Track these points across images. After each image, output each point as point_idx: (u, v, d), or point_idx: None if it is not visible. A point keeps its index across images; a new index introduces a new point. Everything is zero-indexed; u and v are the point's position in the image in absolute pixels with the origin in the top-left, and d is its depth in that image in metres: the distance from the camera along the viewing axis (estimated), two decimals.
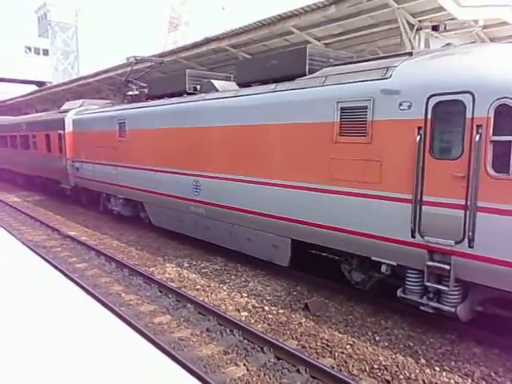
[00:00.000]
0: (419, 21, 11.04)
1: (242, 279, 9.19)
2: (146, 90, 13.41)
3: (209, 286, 8.77)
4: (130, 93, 14.20)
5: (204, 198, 10.21)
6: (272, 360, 5.90)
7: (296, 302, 7.91)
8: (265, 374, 5.57)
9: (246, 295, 8.28)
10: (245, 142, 8.98)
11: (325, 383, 5.30)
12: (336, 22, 12.11)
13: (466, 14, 10.35)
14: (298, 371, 5.55)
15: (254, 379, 5.47)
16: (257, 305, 7.81)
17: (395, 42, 12.02)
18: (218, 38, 15.09)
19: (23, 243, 7.00)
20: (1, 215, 16.92)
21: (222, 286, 8.81)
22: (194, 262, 10.37)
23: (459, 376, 5.48)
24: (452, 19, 10.64)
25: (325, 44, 13.69)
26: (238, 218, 9.28)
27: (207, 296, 8.26)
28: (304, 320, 7.16)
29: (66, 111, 18.22)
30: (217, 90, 10.21)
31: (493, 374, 5.50)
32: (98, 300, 6.99)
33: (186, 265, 10.21)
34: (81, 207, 17.80)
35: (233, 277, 9.35)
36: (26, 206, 18.91)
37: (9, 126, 26.12)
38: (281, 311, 7.52)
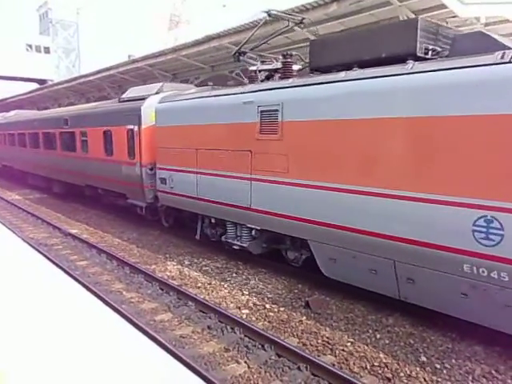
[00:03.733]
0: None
1: (243, 277, 9.20)
2: (293, 61, 9.10)
3: (210, 284, 8.78)
4: (258, 68, 9.51)
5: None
6: (273, 357, 5.92)
7: (297, 299, 7.92)
8: (266, 372, 5.58)
9: (247, 293, 8.29)
10: None
11: (326, 381, 5.31)
12: (337, 19, 12.09)
13: (467, 12, 10.31)
14: (299, 369, 5.56)
15: (255, 376, 5.48)
16: (258, 302, 7.82)
17: None
18: (218, 36, 15.07)
19: (24, 241, 7.03)
20: (2, 213, 16.94)
21: (223, 283, 8.82)
22: (196, 260, 10.38)
23: (460, 374, 5.48)
24: (454, 17, 10.61)
25: None
26: None
27: (208, 294, 8.27)
28: (305, 318, 7.17)
29: (139, 99, 12.76)
30: None
31: (493, 371, 5.50)
32: (100, 298, 7.01)
33: (187, 263, 10.22)
34: (82, 205, 17.80)
35: (234, 274, 9.36)
36: (28, 204, 18.92)
37: (42, 120, 20.30)
38: (282, 309, 7.53)
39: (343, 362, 5.80)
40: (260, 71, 9.46)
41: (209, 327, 6.85)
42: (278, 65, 9.14)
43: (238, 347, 6.22)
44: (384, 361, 5.81)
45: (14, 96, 36.46)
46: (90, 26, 52.61)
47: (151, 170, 12.16)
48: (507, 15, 10.65)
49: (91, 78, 24.56)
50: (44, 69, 49.56)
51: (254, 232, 8.99)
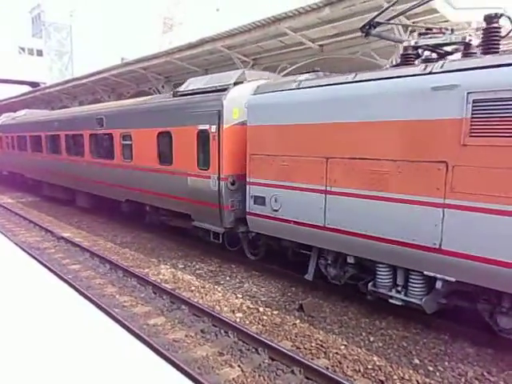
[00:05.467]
0: (413, 22, 11.09)
1: (237, 280, 9.19)
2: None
3: (203, 288, 8.76)
4: (418, 42, 7.00)
5: None
6: (267, 361, 5.90)
7: (291, 302, 7.92)
8: (259, 375, 5.57)
9: (240, 296, 8.28)
10: None
11: None
12: (330, 23, 12.14)
13: (458, 17, 10.42)
14: (293, 372, 5.56)
15: (249, 380, 5.47)
16: (251, 306, 7.81)
17: (389, 43, 12.05)
18: (212, 39, 15.08)
19: (17, 245, 6.98)
20: None
21: (216, 287, 8.80)
22: (189, 263, 10.35)
23: (452, 376, 5.50)
24: (445, 21, 10.71)
25: (319, 46, 13.74)
26: None
27: (202, 297, 8.25)
28: (298, 321, 7.17)
29: (213, 91, 9.98)
30: None
31: (486, 373, 5.54)
32: (92, 301, 6.96)
33: (180, 266, 10.19)
34: (74, 208, 17.68)
35: (228, 278, 9.35)
36: (20, 207, 18.79)
37: (64, 120, 17.28)
38: (275, 312, 7.52)
39: (337, 365, 5.80)
40: (420, 48, 6.99)
41: (202, 331, 6.82)
42: (452, 37, 6.79)
43: (232, 351, 6.21)
44: (377, 363, 5.82)
45: (5, 99, 36.21)
46: (84, 29, 52.41)
47: (233, 184, 9.41)
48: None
49: (84, 80, 24.46)
50: (37, 71, 49.28)
51: (439, 283, 6.05)
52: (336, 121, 7.09)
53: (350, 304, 7.75)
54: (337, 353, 6.11)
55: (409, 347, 6.27)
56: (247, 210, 8.91)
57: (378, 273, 6.88)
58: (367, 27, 7.73)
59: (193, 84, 10.98)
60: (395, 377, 5.50)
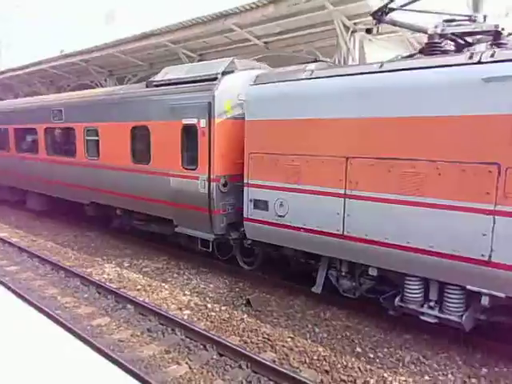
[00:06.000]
0: (354, 23, 11.46)
1: (185, 277, 9.13)
2: None
3: (150, 286, 8.63)
4: (444, 29, 6.37)
5: None
6: (215, 357, 5.93)
7: (238, 298, 7.99)
8: (208, 372, 5.59)
9: (188, 293, 8.24)
10: None
11: (266, 377, 5.42)
12: (275, 21, 12.28)
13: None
14: (240, 367, 5.62)
15: (197, 377, 5.47)
16: (199, 303, 7.80)
17: (332, 43, 12.40)
18: (157, 33, 14.76)
19: None
20: None
21: (163, 284, 8.70)
22: (135, 262, 10.15)
23: (391, 362, 5.80)
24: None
25: (265, 43, 13.86)
26: None
27: (148, 296, 8.13)
28: (246, 316, 7.25)
29: (198, 80, 8.90)
30: None
31: (421, 357, 5.88)
32: (32, 304, 6.68)
33: (126, 264, 9.97)
34: (10, 206, 16.74)
35: (175, 275, 9.26)
36: None
37: (14, 112, 15.48)
38: (223, 308, 7.56)
39: (283, 358, 5.93)
40: (445, 36, 6.34)
41: (149, 330, 6.73)
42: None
43: (179, 349, 6.18)
44: (322, 354, 6.01)
45: None
46: (24, 20, 49.63)
47: (225, 185, 8.50)
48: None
49: (20, 72, 23.17)
50: None
51: (484, 299, 5.39)
52: (359, 116, 6.23)
53: (296, 297, 7.93)
54: (283, 345, 6.25)
55: (352, 336, 6.52)
56: (245, 216, 7.90)
57: (408, 286, 6.09)
58: (379, 13, 6.97)
59: (171, 73, 9.85)
60: (339, 365, 5.71)
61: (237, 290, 8.41)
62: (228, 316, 7.24)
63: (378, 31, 10.99)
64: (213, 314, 7.34)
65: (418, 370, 5.61)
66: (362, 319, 7.06)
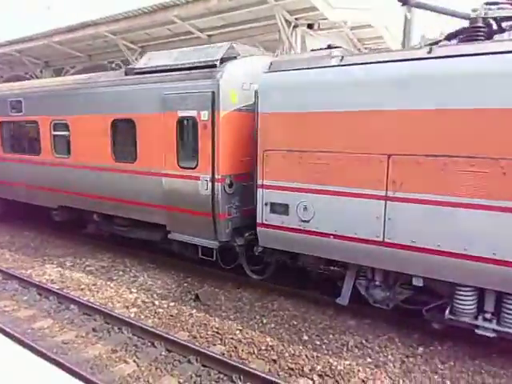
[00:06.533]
0: (296, 18, 11.67)
1: (131, 274, 8.96)
2: None
3: (94, 285, 8.39)
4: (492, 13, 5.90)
5: None
6: (163, 353, 5.89)
7: (186, 293, 7.96)
8: (156, 368, 5.55)
9: (135, 291, 8.10)
10: None
11: (215, 370, 5.46)
12: (217, 14, 12.26)
13: (336, 15, 11.20)
14: (189, 361, 5.63)
15: (145, 374, 5.42)
16: (147, 300, 7.70)
17: (274, 37, 12.54)
18: (95, 23, 14.26)
19: None
20: None
21: (109, 283, 8.49)
22: (78, 261, 9.82)
23: (336, 347, 6.03)
24: (324, 19, 11.44)
25: (208, 36, 13.78)
26: None
27: (93, 295, 7.91)
28: (195, 311, 7.24)
29: (195, 67, 7.85)
30: None
31: (364, 341, 6.16)
32: None
33: (68, 264, 9.62)
34: None
35: (121, 273, 9.07)
36: None
37: None
38: (172, 304, 7.51)
39: (232, 350, 5.99)
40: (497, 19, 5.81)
41: (94, 330, 6.57)
42: None
43: (127, 347, 6.08)
44: (270, 344, 6.14)
45: None
46: None
47: (230, 186, 7.59)
48: (369, 21, 11.78)
49: None
50: None
51: None
52: (406, 108, 5.46)
53: (244, 289, 8.03)
54: (232, 338, 6.31)
55: (298, 325, 6.70)
56: (259, 221, 7.00)
57: (459, 297, 5.51)
58: None
59: (156, 60, 8.66)
60: (286, 354, 5.86)
61: (185, 285, 8.37)
62: (176, 312, 7.20)
63: (319, 27, 11.28)
64: (161, 310, 7.27)
65: (361, 353, 5.88)
66: (309, 308, 7.26)
